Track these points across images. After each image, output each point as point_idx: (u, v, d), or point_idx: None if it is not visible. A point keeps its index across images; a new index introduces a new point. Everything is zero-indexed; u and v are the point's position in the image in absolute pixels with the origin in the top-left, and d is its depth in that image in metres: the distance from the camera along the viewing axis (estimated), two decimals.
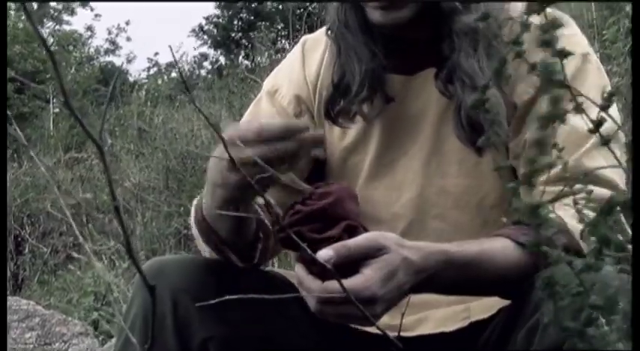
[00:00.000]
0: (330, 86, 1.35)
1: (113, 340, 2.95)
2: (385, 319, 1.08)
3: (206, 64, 20.68)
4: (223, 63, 18.98)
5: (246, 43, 18.74)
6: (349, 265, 1.02)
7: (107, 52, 20.07)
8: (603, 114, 0.74)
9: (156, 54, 19.59)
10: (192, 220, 1.30)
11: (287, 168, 1.12)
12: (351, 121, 1.33)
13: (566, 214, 1.03)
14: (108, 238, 4.66)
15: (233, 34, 20.45)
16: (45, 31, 18.14)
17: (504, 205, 1.26)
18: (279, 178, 1.06)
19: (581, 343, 0.57)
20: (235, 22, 20.67)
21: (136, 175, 5.62)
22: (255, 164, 1.01)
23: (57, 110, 9.05)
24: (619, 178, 1.19)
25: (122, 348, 1.24)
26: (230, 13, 20.64)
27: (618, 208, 0.58)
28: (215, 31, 20.77)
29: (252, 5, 20.38)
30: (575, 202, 0.77)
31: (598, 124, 0.57)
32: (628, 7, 3.75)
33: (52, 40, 17.36)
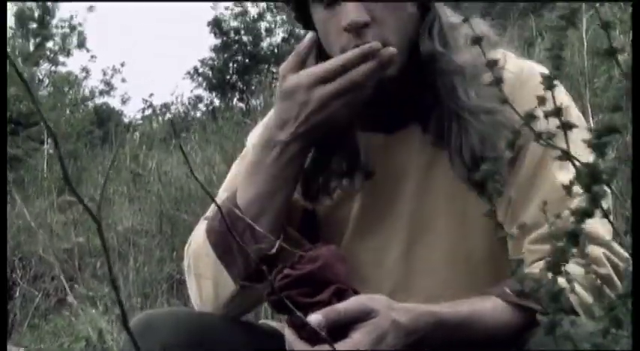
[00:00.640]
0: (308, 164, 1.32)
1: None
2: None
3: (201, 106, 20.74)
4: (218, 105, 19.04)
5: (241, 86, 18.85)
6: (339, 329, 1.02)
7: (102, 93, 20.16)
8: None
9: (151, 95, 19.68)
10: (199, 238, 1.29)
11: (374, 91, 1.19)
12: (330, 198, 1.32)
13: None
14: (102, 283, 4.63)
15: (228, 77, 20.55)
16: (41, 73, 18.23)
17: (493, 259, 1.26)
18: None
19: None
20: (230, 65, 20.78)
21: (129, 218, 5.60)
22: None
23: (51, 151, 9.05)
24: (607, 231, 1.18)
25: None
26: (225, 55, 20.76)
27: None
28: (210, 73, 20.87)
29: (248, 48, 20.51)
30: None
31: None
32: (620, 56, 3.79)
33: (47, 81, 17.43)
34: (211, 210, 1.37)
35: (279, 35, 20.63)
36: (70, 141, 10.07)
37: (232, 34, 21.09)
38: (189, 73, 21.04)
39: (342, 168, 1.29)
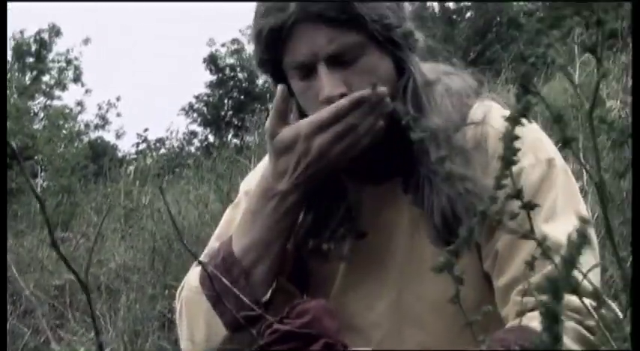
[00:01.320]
0: (299, 228, 1.33)
1: None
2: None
3: (195, 141, 20.80)
4: (212, 141, 19.08)
5: (236, 122, 18.92)
6: None
7: (97, 127, 20.22)
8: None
9: (146, 130, 19.70)
10: (193, 283, 1.29)
11: (370, 139, 1.20)
12: (324, 260, 1.32)
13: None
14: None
15: (223, 113, 20.63)
16: (36, 107, 18.28)
17: (483, 308, 1.26)
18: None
19: None
20: (226, 101, 20.88)
21: (121, 255, 5.58)
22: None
23: (45, 184, 9.04)
24: (595, 280, 1.19)
25: None
26: (221, 92, 20.88)
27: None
28: (205, 109, 20.97)
29: (243, 85, 20.63)
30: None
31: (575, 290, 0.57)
32: (609, 103, 3.83)
33: (42, 114, 17.47)
34: (205, 254, 1.37)
35: None
36: (65, 175, 10.06)
37: (228, 71, 21.24)
38: (184, 108, 21.15)
39: (334, 233, 1.30)
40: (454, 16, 13.26)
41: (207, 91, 21.04)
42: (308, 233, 1.32)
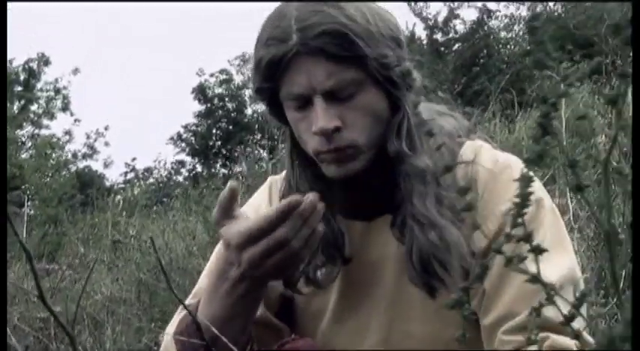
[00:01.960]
0: None
1: None
2: None
3: (183, 171, 20.79)
4: (200, 171, 19.08)
5: (225, 152, 18.94)
6: None
7: (85, 156, 20.18)
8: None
9: (133, 159, 19.69)
10: (168, 344, 1.27)
11: (308, 251, 1.16)
12: (312, 292, 1.33)
13: None
14: None
15: (211, 143, 20.65)
16: (23, 136, 18.25)
17: (469, 347, 1.26)
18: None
19: None
20: (214, 131, 20.91)
21: (108, 286, 5.55)
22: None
23: (32, 213, 8.99)
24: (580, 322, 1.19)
25: None
26: (209, 122, 20.91)
27: None
28: (193, 139, 20.98)
29: (232, 115, 20.68)
30: None
31: (569, 319, 0.58)
32: (598, 138, 3.86)
33: (30, 144, 17.43)
34: (194, 293, 1.37)
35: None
36: (51, 205, 10.02)
37: (216, 101, 21.30)
38: (172, 138, 21.15)
39: (322, 259, 1.31)
40: (442, 48, 13.36)
41: (196, 121, 21.08)
42: None
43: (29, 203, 9.43)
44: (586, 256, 2.87)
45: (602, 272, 2.73)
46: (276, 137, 6.78)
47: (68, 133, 19.97)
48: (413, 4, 13.10)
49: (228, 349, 1.15)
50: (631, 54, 0.54)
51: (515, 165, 1.28)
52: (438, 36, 13.48)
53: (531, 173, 0.68)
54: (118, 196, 9.00)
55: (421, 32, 13.37)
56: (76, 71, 20.91)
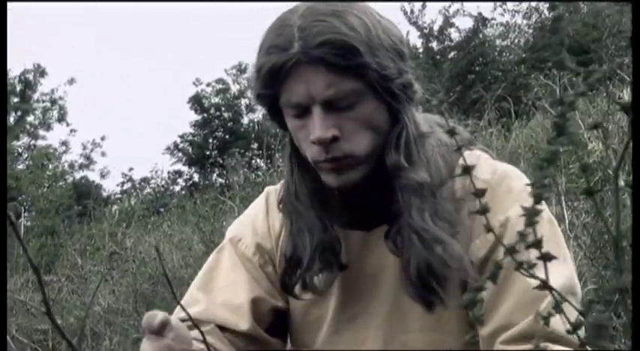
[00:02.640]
0: (282, 260, 1.35)
1: None
2: None
3: (180, 180, 20.76)
4: (197, 180, 19.07)
5: (221, 162, 18.92)
6: None
7: (81, 167, 20.16)
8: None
9: (130, 169, 19.65)
10: None
11: None
12: (306, 293, 1.33)
13: None
14: None
15: (208, 153, 20.64)
16: (20, 147, 18.22)
17: None
18: None
19: None
20: (210, 141, 20.90)
21: (105, 297, 5.54)
22: None
23: (28, 223, 8.98)
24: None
25: None
26: (205, 131, 20.90)
27: None
28: (190, 149, 20.96)
29: (228, 124, 20.68)
30: None
31: (575, 327, 0.59)
32: (591, 145, 3.87)
33: (26, 155, 17.41)
34: (185, 302, 1.38)
35: (259, 112, 20.84)
36: (48, 216, 10.01)
37: (213, 111, 21.30)
38: (169, 148, 21.13)
39: (319, 266, 1.31)
40: (437, 57, 13.38)
41: (192, 130, 21.08)
42: (294, 267, 1.32)
43: (26, 214, 9.42)
44: (583, 263, 2.87)
45: (600, 280, 2.73)
46: (272, 146, 6.78)
47: (64, 143, 19.97)
48: (409, 12, 13.12)
49: None
50: (631, 54, 0.55)
51: (514, 175, 1.29)
52: (434, 44, 13.50)
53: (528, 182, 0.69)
54: (115, 207, 8.99)
55: (416, 40, 13.37)
56: (72, 81, 20.90)
